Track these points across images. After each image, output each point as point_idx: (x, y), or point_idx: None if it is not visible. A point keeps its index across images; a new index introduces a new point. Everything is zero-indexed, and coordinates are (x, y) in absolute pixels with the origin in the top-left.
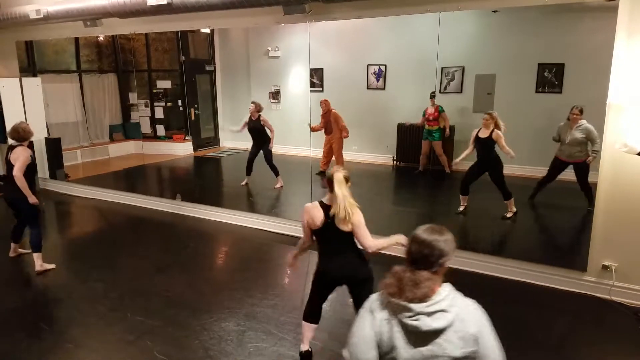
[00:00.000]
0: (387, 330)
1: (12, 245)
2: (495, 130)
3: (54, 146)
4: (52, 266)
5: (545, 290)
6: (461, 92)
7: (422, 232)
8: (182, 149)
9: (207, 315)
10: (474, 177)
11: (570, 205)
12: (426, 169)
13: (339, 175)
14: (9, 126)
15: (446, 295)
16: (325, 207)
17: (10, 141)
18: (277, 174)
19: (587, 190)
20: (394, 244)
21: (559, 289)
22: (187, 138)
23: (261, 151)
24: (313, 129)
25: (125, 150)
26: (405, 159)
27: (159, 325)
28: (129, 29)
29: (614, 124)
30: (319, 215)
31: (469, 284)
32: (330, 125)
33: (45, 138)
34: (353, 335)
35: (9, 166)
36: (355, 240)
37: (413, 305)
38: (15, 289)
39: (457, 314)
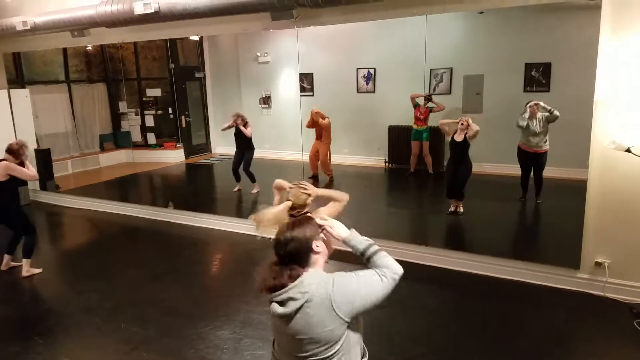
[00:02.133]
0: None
1: (5, 257)
2: (469, 132)
3: (44, 157)
4: (39, 270)
5: (538, 288)
6: (450, 93)
7: (279, 232)
8: (174, 157)
9: (202, 323)
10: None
11: (562, 203)
12: (417, 169)
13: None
14: None
15: (298, 282)
16: None
17: None
18: (253, 180)
19: (540, 182)
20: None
21: (553, 286)
22: (178, 145)
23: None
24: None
25: (117, 159)
26: (397, 160)
27: (154, 335)
28: (117, 38)
29: (601, 121)
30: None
31: (461, 284)
32: (320, 131)
33: (35, 149)
34: None
35: None
36: None
37: (270, 295)
38: (7, 301)
39: (307, 298)
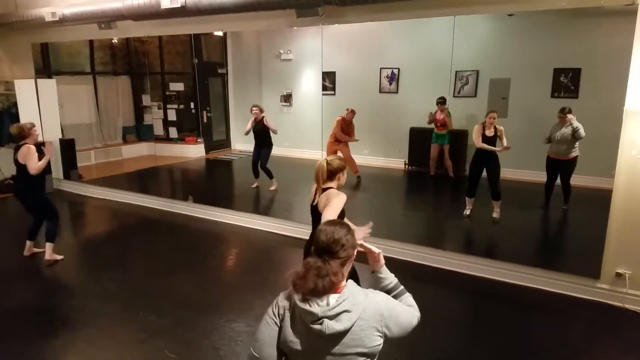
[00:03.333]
0: (289, 323)
1: (28, 243)
2: (498, 126)
3: (68, 147)
4: (61, 257)
5: (557, 297)
6: (475, 96)
7: (327, 225)
8: (194, 151)
9: (217, 316)
10: (479, 176)
11: (585, 211)
12: (438, 173)
13: (321, 162)
14: None
15: (349, 294)
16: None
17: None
18: (270, 177)
19: (568, 189)
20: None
21: (571, 295)
22: (199, 140)
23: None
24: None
25: (138, 151)
26: (417, 163)
27: (170, 325)
28: (143, 32)
29: (630, 130)
30: (311, 197)
31: (479, 290)
32: (348, 132)
33: (60, 139)
34: (259, 336)
35: (18, 166)
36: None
37: (316, 310)
38: (28, 287)
39: (361, 312)
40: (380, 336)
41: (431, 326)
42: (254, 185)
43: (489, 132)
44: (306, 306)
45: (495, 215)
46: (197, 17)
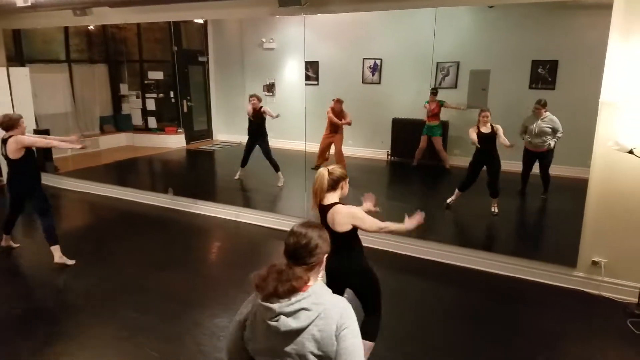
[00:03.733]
0: (250, 321)
1: (4, 236)
2: (495, 125)
3: None
4: (72, 262)
5: (534, 286)
6: (456, 87)
7: (300, 226)
8: (175, 142)
9: (200, 310)
10: (477, 174)
11: (562, 201)
12: (420, 163)
13: (322, 171)
14: None
15: (312, 292)
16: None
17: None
18: (277, 169)
19: (547, 179)
20: (404, 230)
21: (548, 284)
22: (179, 130)
23: (258, 146)
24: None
25: (117, 142)
26: (399, 154)
27: (152, 321)
28: (121, 19)
29: (606, 122)
30: (320, 216)
31: (458, 279)
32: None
33: (34, 130)
34: (224, 344)
35: (8, 160)
36: (358, 237)
37: (274, 306)
38: (5, 282)
39: (321, 312)
40: (325, 349)
41: (408, 315)
42: (237, 177)
43: (485, 129)
44: (266, 303)
45: (493, 209)
46: (177, 4)
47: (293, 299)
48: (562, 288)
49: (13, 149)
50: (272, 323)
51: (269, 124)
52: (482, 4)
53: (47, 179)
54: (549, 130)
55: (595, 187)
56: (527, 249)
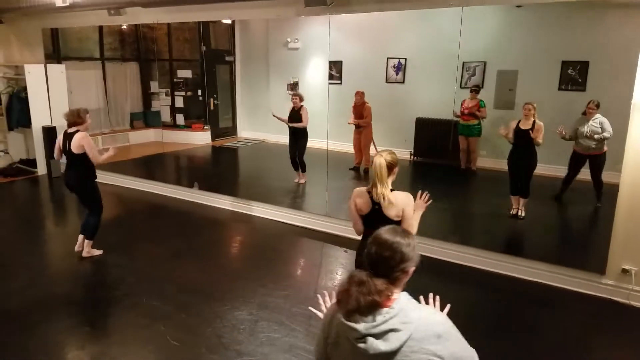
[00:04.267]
0: (333, 339)
1: (80, 237)
2: (537, 121)
3: None
4: (100, 252)
5: (562, 292)
6: (482, 87)
7: (384, 232)
8: (201, 138)
9: (220, 303)
10: (517, 171)
11: (593, 206)
12: (468, 166)
13: (378, 159)
14: (34, 111)
15: (399, 310)
16: (370, 195)
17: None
18: (303, 169)
19: (599, 185)
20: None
21: (576, 291)
22: (205, 127)
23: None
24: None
25: (145, 137)
26: (423, 154)
27: (173, 311)
28: (152, 18)
29: (637, 124)
30: (365, 201)
31: (482, 283)
32: (360, 118)
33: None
34: (315, 350)
35: (71, 154)
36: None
37: (359, 327)
38: (29, 272)
39: (412, 332)
40: None
41: None
42: (296, 180)
43: (525, 125)
44: (349, 322)
45: (520, 213)
46: (206, 4)
47: (379, 319)
48: (590, 295)
49: (78, 144)
50: (360, 345)
51: None
52: (509, 3)
53: None
54: (600, 131)
55: (626, 192)
56: (556, 254)
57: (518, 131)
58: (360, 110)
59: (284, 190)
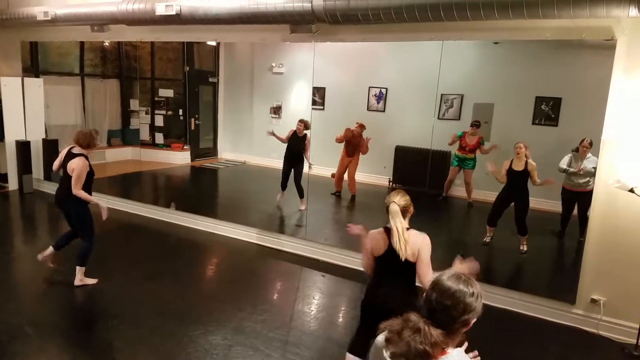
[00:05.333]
0: None
1: (50, 249)
2: (529, 161)
3: (51, 147)
4: (94, 281)
5: (532, 321)
6: (459, 119)
7: (448, 278)
8: (180, 158)
9: (194, 326)
10: (504, 208)
11: (572, 241)
12: (448, 195)
13: (393, 207)
14: (7, 124)
15: None
16: (389, 234)
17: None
18: (302, 195)
19: (584, 220)
20: None
21: (547, 320)
22: (185, 147)
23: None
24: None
25: (123, 156)
26: (401, 181)
27: (145, 334)
28: (136, 37)
29: (607, 160)
30: (382, 243)
31: None
32: (355, 148)
33: (43, 139)
34: None
35: (65, 174)
36: (417, 273)
37: None
38: (4, 294)
39: None
40: None
41: None
42: (279, 198)
43: (518, 167)
44: None
45: (522, 247)
46: (192, 25)
47: None
48: (561, 325)
49: (71, 168)
50: None
51: (274, 145)
52: (488, 39)
53: (52, 188)
54: (593, 170)
55: (596, 224)
56: (525, 283)
57: (512, 172)
58: (358, 141)
59: (265, 212)
